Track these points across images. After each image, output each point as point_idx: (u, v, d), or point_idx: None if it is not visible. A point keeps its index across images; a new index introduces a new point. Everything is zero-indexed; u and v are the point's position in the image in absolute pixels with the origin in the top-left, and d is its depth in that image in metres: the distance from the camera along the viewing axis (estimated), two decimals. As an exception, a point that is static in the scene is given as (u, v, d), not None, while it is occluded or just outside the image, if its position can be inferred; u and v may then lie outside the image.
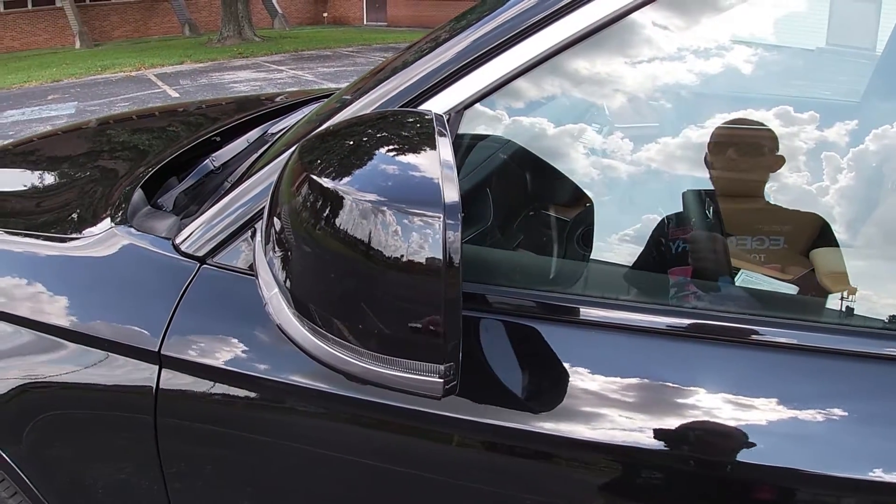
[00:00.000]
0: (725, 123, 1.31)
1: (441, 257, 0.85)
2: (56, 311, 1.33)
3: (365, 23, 35.60)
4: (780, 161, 1.28)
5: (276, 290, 1.02)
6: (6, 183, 2.03)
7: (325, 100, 2.38)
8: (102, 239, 1.38)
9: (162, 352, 1.22)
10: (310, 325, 0.97)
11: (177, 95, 13.07)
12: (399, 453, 1.15)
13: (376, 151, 0.96)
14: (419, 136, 0.98)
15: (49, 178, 2.04)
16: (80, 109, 11.70)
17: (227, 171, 1.80)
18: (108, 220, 1.44)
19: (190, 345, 1.22)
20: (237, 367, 1.19)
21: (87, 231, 1.43)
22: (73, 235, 1.44)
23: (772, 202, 1.30)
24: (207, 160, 1.89)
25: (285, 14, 30.59)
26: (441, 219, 0.85)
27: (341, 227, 0.89)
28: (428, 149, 0.94)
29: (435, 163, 0.91)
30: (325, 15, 35.85)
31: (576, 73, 1.23)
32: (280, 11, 29.96)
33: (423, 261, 0.86)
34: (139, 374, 1.25)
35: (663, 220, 1.28)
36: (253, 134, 2.11)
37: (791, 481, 0.98)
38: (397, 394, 1.03)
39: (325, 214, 0.91)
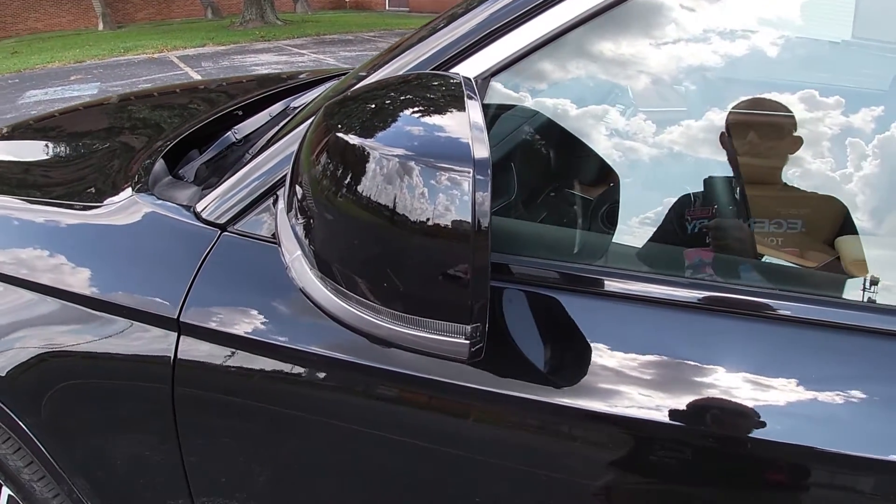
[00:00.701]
0: (741, 104, 1.29)
1: (470, 215, 0.84)
2: (76, 278, 1.32)
3: (387, 8, 35.56)
4: (798, 142, 1.26)
5: (299, 253, 1.01)
6: (28, 155, 2.03)
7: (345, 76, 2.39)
8: (124, 206, 1.37)
9: (181, 319, 1.21)
10: (333, 287, 0.96)
11: (199, 77, 13.08)
12: (419, 424, 1.14)
13: (403, 112, 0.95)
14: (446, 97, 0.97)
15: (71, 151, 2.04)
16: (102, 90, 11.72)
17: (248, 143, 1.79)
18: (130, 188, 1.43)
19: (209, 312, 1.21)
20: (257, 336, 1.18)
21: (108, 199, 1.42)
22: (95, 203, 1.43)
23: (790, 185, 1.27)
24: (230, 132, 1.88)
25: (308, -2, 30.61)
26: (471, 175, 0.84)
27: (368, 185, 0.88)
28: (456, 110, 0.92)
29: (464, 123, 0.89)
30: (348, 0, 35.81)
31: (603, 49, 1.22)
32: (303, -5, 29.98)
33: (451, 219, 0.84)
34: (158, 341, 1.24)
35: (686, 197, 1.25)
36: (276, 108, 2.10)
37: (808, 459, 0.96)
38: (418, 363, 1.02)
39: (351, 172, 0.90)
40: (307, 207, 0.98)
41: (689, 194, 1.25)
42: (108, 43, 19.17)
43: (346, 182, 0.90)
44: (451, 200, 0.84)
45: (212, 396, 1.25)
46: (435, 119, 0.92)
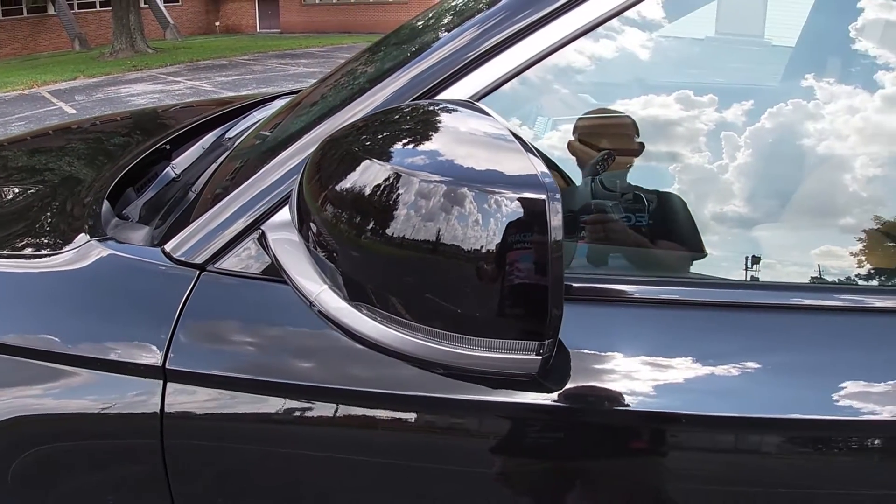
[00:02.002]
0: (586, 114, 1.39)
1: (548, 236, 0.85)
2: (41, 333, 1.24)
3: (258, 30, 35.36)
4: (641, 147, 1.36)
5: (325, 286, 0.99)
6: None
7: (272, 102, 2.37)
8: (83, 252, 1.30)
9: (167, 366, 1.15)
10: (382, 316, 0.96)
11: (73, 112, 12.73)
12: (421, 449, 1.13)
13: (438, 136, 0.95)
14: (471, 121, 0.97)
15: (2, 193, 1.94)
16: (-28, 132, 11.29)
17: (187, 177, 1.75)
18: (84, 234, 1.36)
19: (197, 356, 1.15)
20: (258, 375, 1.14)
21: (62, 246, 1.35)
22: (47, 252, 1.36)
23: (633, 185, 1.36)
24: (168, 168, 1.82)
25: (177, 24, 30.14)
26: (546, 199, 0.85)
27: (424, 214, 0.88)
28: (496, 132, 0.94)
29: (512, 146, 0.91)
30: (218, 24, 35.44)
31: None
32: (171, 22, 29.49)
33: (527, 241, 0.86)
34: (142, 393, 1.17)
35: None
36: (207, 139, 2.05)
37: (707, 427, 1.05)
38: (422, 384, 1.05)
39: (400, 200, 0.89)
40: (327, 242, 0.96)
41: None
42: (-26, 81, 18.45)
43: (393, 212, 0.89)
44: (529, 220, 0.86)
45: (208, 445, 1.19)
46: (476, 143, 0.93)
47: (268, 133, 1.54)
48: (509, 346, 0.92)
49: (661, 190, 1.35)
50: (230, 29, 35.17)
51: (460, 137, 0.94)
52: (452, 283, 0.90)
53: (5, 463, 1.26)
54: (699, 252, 1.28)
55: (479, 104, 1.05)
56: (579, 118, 1.39)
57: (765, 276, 1.23)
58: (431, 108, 1.04)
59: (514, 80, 1.18)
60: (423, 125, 1.00)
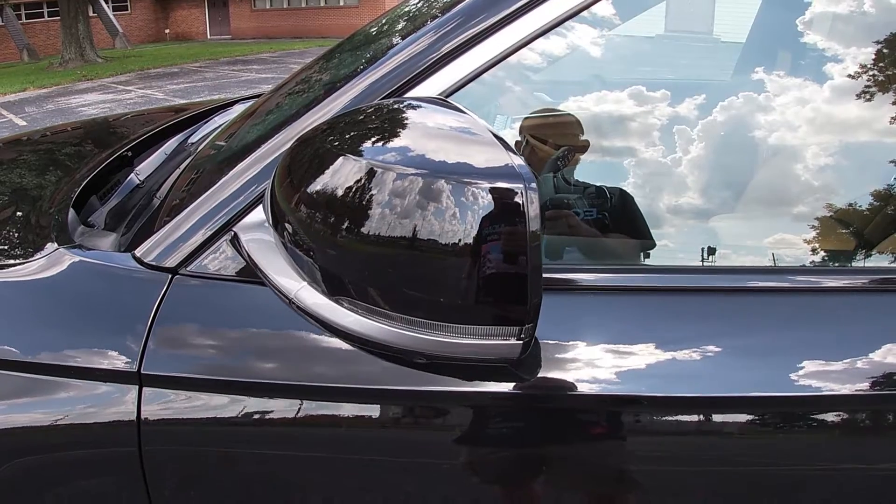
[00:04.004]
0: (532, 113, 1.43)
1: (526, 225, 0.88)
2: (12, 343, 1.23)
3: (209, 37, 35.12)
4: (587, 144, 1.40)
5: (304, 284, 1.01)
6: None
7: (232, 107, 2.37)
8: (53, 260, 1.29)
9: (142, 371, 1.15)
10: (360, 308, 0.98)
11: (24, 124, 12.57)
12: (420, 442, 1.15)
13: (413, 133, 0.97)
14: (443, 116, 0.99)
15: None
16: (-80, 145, 11.07)
17: (151, 183, 1.75)
18: (51, 242, 1.36)
19: (172, 358, 1.16)
20: (233, 377, 1.14)
21: (31, 255, 1.34)
22: (15, 262, 1.35)
23: (581, 180, 1.42)
24: (132, 175, 1.82)
25: (126, 33, 29.84)
26: (523, 186, 0.88)
27: (402, 208, 0.90)
28: (468, 126, 0.97)
29: (485, 139, 0.94)
30: (168, 31, 35.15)
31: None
32: (121, 30, 29.22)
33: (505, 227, 0.89)
34: (118, 400, 1.17)
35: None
36: (169, 145, 2.05)
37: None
38: (404, 377, 1.08)
39: (377, 195, 0.92)
40: (303, 241, 0.98)
41: None
42: (-82, 94, 18.13)
43: (382, 207, 0.92)
44: (507, 209, 0.89)
45: (185, 450, 1.19)
46: (456, 135, 0.96)
47: (237, 135, 1.55)
48: (491, 333, 0.94)
49: (611, 185, 1.40)
50: (180, 36, 34.90)
51: (430, 132, 0.96)
52: (433, 273, 0.92)
53: None
54: (651, 241, 1.33)
55: (447, 99, 1.08)
56: (525, 118, 1.44)
57: (719, 262, 1.29)
58: (396, 105, 1.06)
59: (472, 83, 1.20)
60: (390, 122, 1.02)
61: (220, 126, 1.98)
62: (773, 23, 1.63)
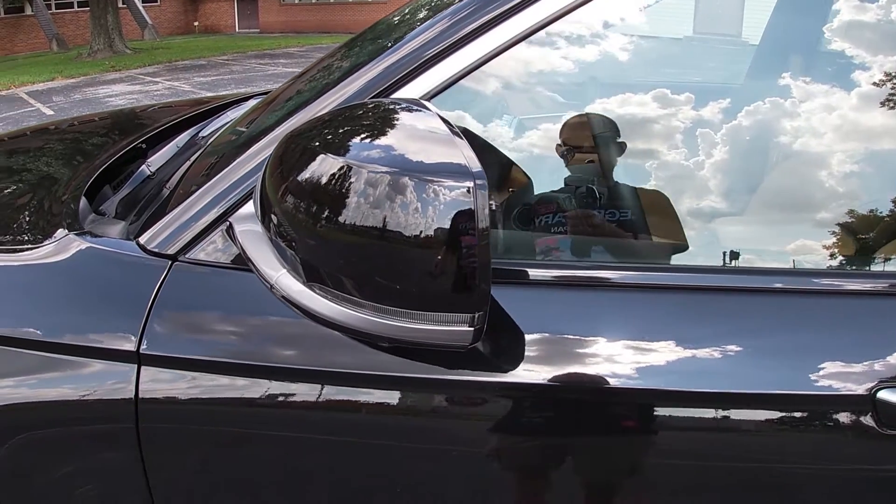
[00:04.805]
0: (571, 119, 1.46)
1: (476, 220, 0.95)
2: (20, 322, 1.31)
3: (237, 30, 35.19)
4: (623, 147, 1.44)
5: (284, 271, 1.08)
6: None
7: (246, 102, 2.44)
8: (62, 245, 1.37)
9: (141, 350, 1.23)
10: (331, 294, 1.05)
11: (51, 113, 12.69)
12: (406, 426, 1.22)
13: (386, 132, 1.04)
14: (415, 117, 1.07)
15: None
16: (-50, 132, 11.24)
17: (161, 174, 1.82)
18: (62, 228, 1.44)
19: (170, 339, 1.24)
20: (223, 358, 1.22)
21: (43, 240, 1.42)
22: (28, 246, 1.43)
23: (620, 182, 1.45)
24: (143, 166, 1.90)
25: (155, 25, 30.02)
26: (472, 186, 0.95)
27: (372, 202, 0.98)
28: (431, 129, 1.04)
29: (447, 140, 1.01)
30: (196, 24, 35.29)
31: (506, 71, 1.37)
32: (150, 22, 29.39)
33: (458, 223, 0.96)
34: (117, 378, 1.25)
35: (533, 199, 1.44)
36: (182, 138, 2.13)
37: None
38: (403, 364, 1.15)
39: (348, 188, 0.99)
40: (287, 232, 1.06)
41: (540, 194, 1.45)
42: (-50, 82, 18.37)
43: (348, 200, 0.99)
44: (456, 207, 0.96)
45: (181, 428, 1.27)
46: (417, 138, 1.03)
47: (243, 129, 1.62)
48: (445, 319, 1.01)
49: (640, 186, 1.44)
50: (209, 29, 35.06)
51: (409, 133, 1.04)
52: (396, 264, 0.99)
53: None
54: (683, 244, 1.38)
55: (427, 102, 1.14)
56: (564, 123, 1.47)
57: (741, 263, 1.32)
58: (392, 106, 1.13)
59: (474, 74, 1.27)
60: (381, 122, 1.09)
61: (232, 120, 2.05)
62: (795, 26, 1.67)
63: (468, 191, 0.95)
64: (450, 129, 1.03)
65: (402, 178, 0.97)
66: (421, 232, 0.96)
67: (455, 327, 1.01)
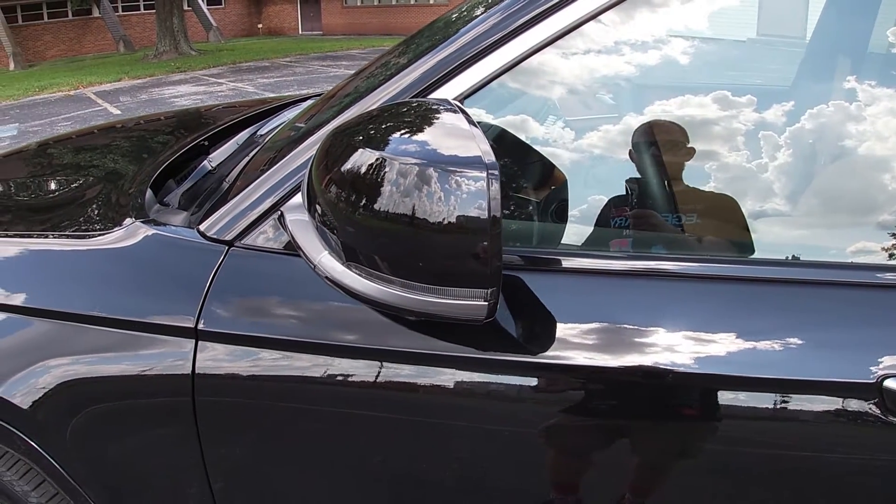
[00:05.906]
0: (642, 126, 1.51)
1: (487, 208, 1.05)
2: (92, 302, 1.44)
3: (300, 32, 35.52)
4: (692, 152, 1.48)
5: (325, 252, 1.20)
6: (10, 192, 2.16)
7: (303, 103, 2.56)
8: (130, 231, 1.50)
9: (199, 327, 1.35)
10: (366, 273, 1.16)
11: (118, 112, 13.01)
12: (439, 403, 1.31)
13: (422, 128, 1.15)
14: (444, 116, 1.16)
15: (55, 185, 2.18)
16: (22, 131, 11.61)
17: (222, 169, 1.94)
18: (129, 217, 1.56)
19: (225, 318, 1.35)
20: (273, 334, 1.33)
21: (112, 227, 1.55)
22: (99, 232, 1.56)
23: (689, 185, 1.49)
24: (205, 162, 2.02)
25: (220, 27, 30.48)
26: (486, 175, 1.05)
27: (402, 190, 1.08)
28: (457, 122, 1.14)
29: (470, 132, 1.11)
30: (260, 26, 35.73)
31: (546, 71, 1.43)
32: (215, 24, 29.86)
33: (473, 212, 1.05)
34: (177, 352, 1.37)
35: (613, 198, 1.49)
36: (242, 136, 2.26)
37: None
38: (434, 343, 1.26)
39: (382, 179, 1.09)
40: (329, 220, 1.17)
41: (614, 196, 1.49)
42: (22, 82, 18.93)
43: (382, 187, 1.09)
44: (473, 194, 1.05)
45: (233, 402, 1.39)
46: (444, 133, 1.13)
47: (301, 125, 1.73)
48: (463, 294, 1.11)
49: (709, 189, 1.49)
50: (272, 31, 35.51)
51: (438, 129, 1.14)
52: (421, 245, 1.09)
53: (65, 422, 1.47)
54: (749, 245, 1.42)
55: (455, 101, 1.24)
56: (636, 129, 1.52)
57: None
58: (426, 104, 1.23)
59: (509, 74, 1.35)
60: (418, 119, 1.19)
61: (289, 118, 2.16)
62: (853, 28, 1.69)
63: (482, 180, 1.05)
64: (470, 125, 1.12)
65: (427, 169, 1.07)
66: (444, 217, 1.06)
67: (471, 301, 1.11)
